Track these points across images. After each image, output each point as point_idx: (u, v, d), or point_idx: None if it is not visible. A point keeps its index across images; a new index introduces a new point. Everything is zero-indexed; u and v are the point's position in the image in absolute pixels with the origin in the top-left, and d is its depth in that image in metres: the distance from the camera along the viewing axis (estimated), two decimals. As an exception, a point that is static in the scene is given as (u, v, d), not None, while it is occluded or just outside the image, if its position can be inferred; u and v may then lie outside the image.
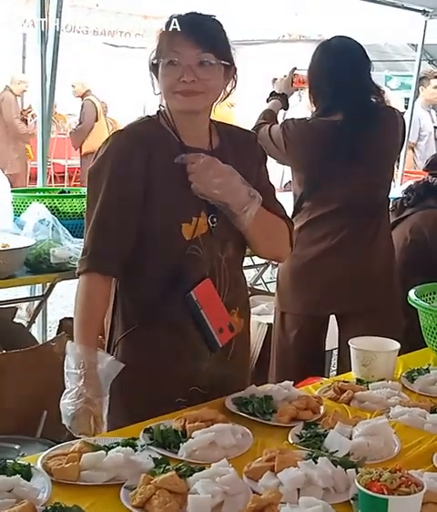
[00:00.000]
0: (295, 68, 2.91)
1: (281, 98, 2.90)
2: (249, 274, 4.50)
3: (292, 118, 2.79)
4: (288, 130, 2.71)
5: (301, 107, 5.84)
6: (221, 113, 7.12)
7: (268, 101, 2.92)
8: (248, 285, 4.15)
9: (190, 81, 1.76)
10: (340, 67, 2.66)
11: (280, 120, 2.88)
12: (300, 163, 2.72)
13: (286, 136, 2.70)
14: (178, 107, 1.83)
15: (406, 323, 2.86)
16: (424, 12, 5.65)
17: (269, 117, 2.85)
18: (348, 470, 1.47)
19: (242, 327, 1.96)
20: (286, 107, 2.91)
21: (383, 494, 1.30)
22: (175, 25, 1.78)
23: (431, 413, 1.83)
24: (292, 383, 1.89)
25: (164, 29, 1.80)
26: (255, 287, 3.71)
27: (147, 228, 1.82)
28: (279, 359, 2.79)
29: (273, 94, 2.91)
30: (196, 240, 1.82)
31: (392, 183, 2.85)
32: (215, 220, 1.84)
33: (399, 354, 2.12)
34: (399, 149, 2.85)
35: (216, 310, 1.85)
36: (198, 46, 1.76)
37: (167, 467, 1.43)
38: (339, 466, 1.48)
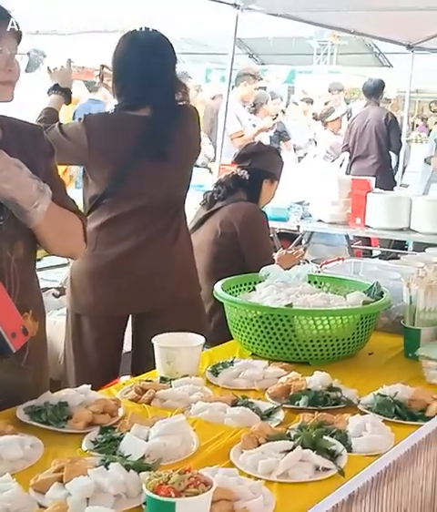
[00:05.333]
0: (70, 60, 2.82)
1: (64, 94, 2.78)
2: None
3: (91, 113, 2.70)
4: (92, 124, 2.59)
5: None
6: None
7: (49, 94, 2.79)
8: (59, 285, 4.07)
9: (16, 70, 1.73)
10: (149, 62, 2.58)
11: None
12: (106, 158, 2.60)
13: (90, 130, 2.58)
14: None
15: (218, 317, 2.88)
16: (235, 5, 5.70)
17: (50, 117, 2.69)
18: (141, 474, 1.44)
19: (37, 330, 1.88)
20: (68, 101, 2.80)
21: (171, 497, 1.29)
22: None
23: (231, 406, 1.83)
24: (90, 386, 1.83)
25: None
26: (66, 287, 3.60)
27: None
28: (78, 364, 2.67)
29: (57, 87, 2.79)
30: None
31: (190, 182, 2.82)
32: (0, 218, 1.74)
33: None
34: (199, 149, 2.85)
35: (7, 313, 1.75)
36: (15, 37, 1.73)
37: None
38: (132, 471, 1.44)
